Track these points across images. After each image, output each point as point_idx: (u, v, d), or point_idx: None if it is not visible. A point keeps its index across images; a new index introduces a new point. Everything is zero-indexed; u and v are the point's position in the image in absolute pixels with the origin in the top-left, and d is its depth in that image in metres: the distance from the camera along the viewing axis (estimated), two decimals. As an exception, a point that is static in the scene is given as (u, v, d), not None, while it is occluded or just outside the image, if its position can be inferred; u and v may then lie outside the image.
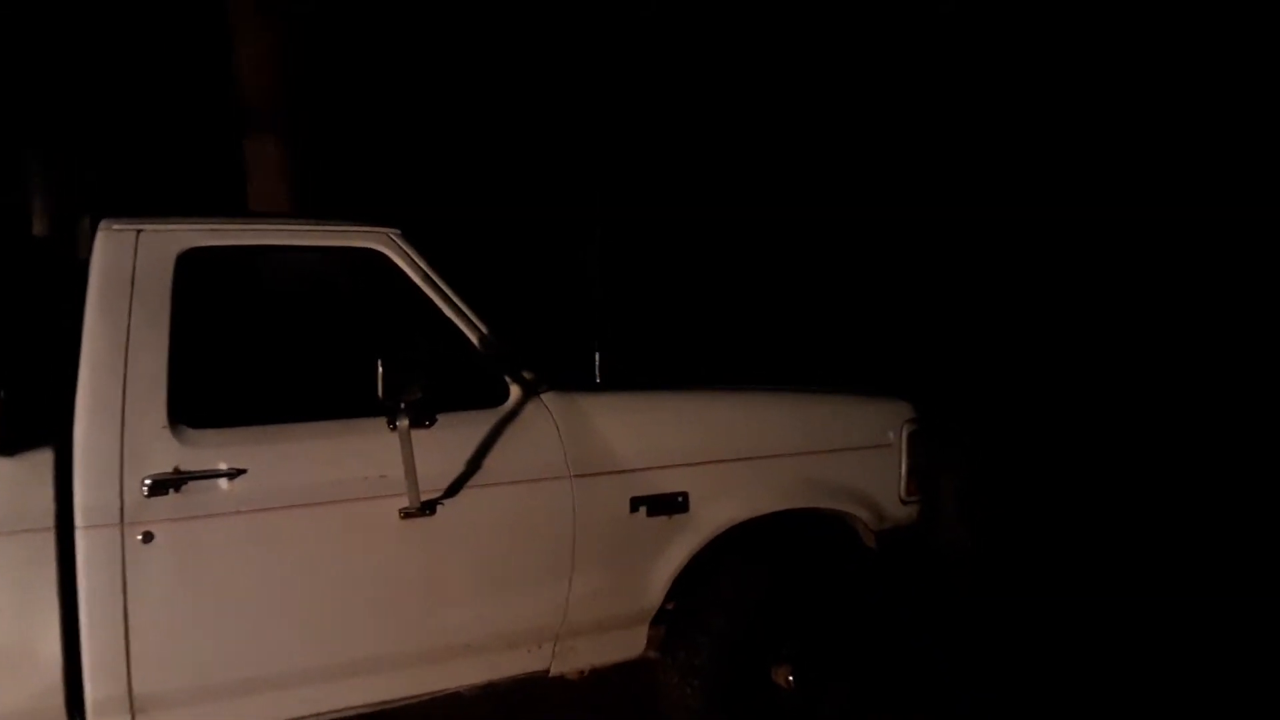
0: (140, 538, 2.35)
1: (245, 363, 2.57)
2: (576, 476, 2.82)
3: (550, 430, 2.81)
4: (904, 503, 3.38)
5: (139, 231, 2.51)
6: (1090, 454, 6.87)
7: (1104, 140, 9.39)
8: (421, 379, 2.42)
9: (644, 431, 2.99)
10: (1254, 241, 8.88)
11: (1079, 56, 9.28)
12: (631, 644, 3.03)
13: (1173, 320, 8.87)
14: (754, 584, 3.09)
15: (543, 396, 2.83)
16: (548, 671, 2.92)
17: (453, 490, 2.65)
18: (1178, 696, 3.75)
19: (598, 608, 2.91)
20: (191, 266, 2.53)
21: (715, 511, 3.03)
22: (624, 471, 2.90)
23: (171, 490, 2.38)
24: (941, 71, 9.25)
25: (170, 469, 2.38)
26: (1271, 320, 8.48)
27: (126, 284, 2.46)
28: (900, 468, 3.36)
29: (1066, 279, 9.25)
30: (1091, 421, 7.50)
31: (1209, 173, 9.12)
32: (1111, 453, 6.93)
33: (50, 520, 2.29)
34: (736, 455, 3.09)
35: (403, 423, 2.44)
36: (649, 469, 2.94)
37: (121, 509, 2.34)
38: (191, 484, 2.40)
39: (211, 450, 2.43)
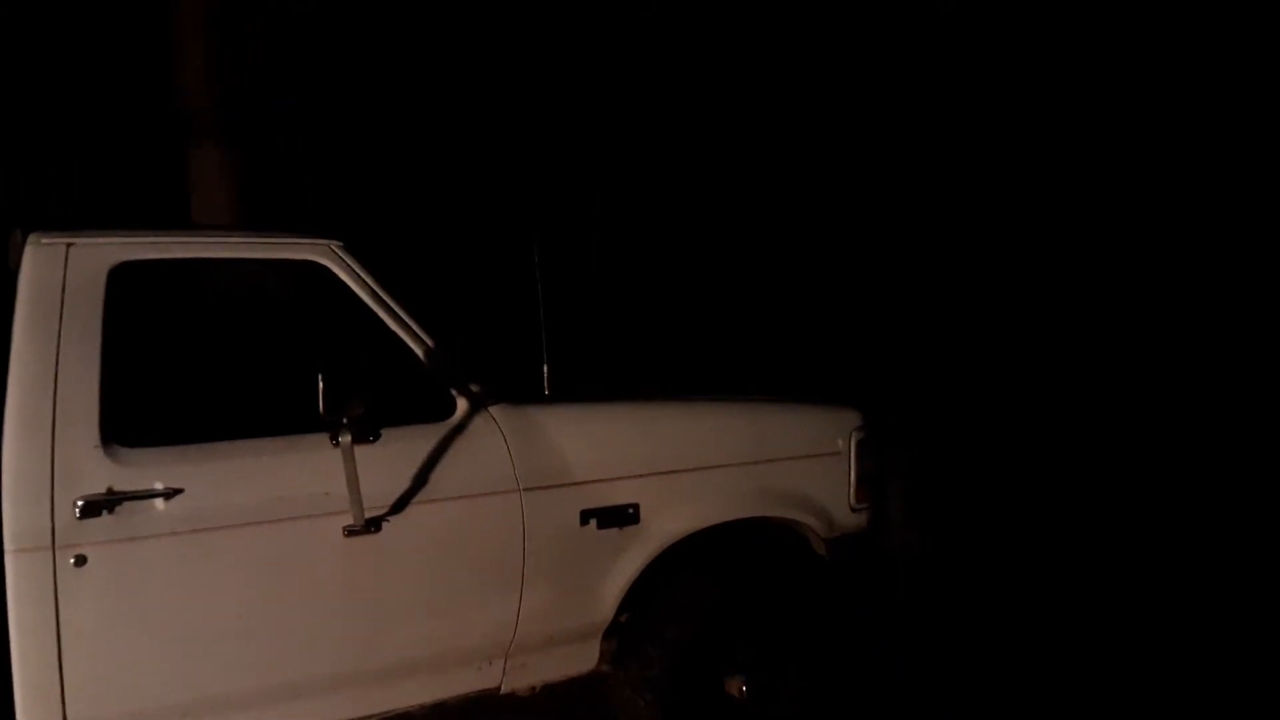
0: (73, 561, 2.28)
1: (182, 379, 2.50)
2: (525, 490, 2.80)
3: (498, 443, 2.78)
4: (854, 510, 3.41)
5: (69, 245, 2.43)
6: (1061, 461, 6.95)
7: (1102, 147, 9.49)
8: (365, 394, 2.38)
9: (594, 443, 2.97)
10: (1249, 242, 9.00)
11: (1080, 65, 9.38)
12: (584, 659, 3.01)
13: (1154, 330, 8.97)
14: (705, 595, 3.09)
15: (490, 409, 2.80)
16: (499, 689, 2.89)
17: (398, 506, 2.61)
18: (1135, 695, 3.81)
19: (549, 623, 2.88)
20: (125, 280, 2.45)
21: (666, 523, 3.02)
22: (574, 484, 2.88)
23: (105, 511, 2.31)
24: (935, 79, 9.31)
25: (103, 489, 2.31)
26: (1253, 333, 8.62)
27: (56, 299, 2.38)
28: (849, 475, 3.38)
29: (1047, 290, 9.33)
30: (1064, 428, 7.59)
31: (1208, 180, 9.24)
32: (1083, 459, 7.01)
33: (-23, 544, 2.21)
34: (687, 466, 3.08)
35: (345, 438, 2.39)
36: (599, 481, 2.92)
37: (53, 531, 2.26)
38: (126, 505, 2.33)
39: (147, 470, 2.37)
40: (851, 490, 3.38)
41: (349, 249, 2.71)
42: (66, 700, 2.29)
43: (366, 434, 2.50)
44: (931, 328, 8.84)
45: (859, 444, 3.39)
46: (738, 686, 3.11)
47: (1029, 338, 8.88)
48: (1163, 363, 8.53)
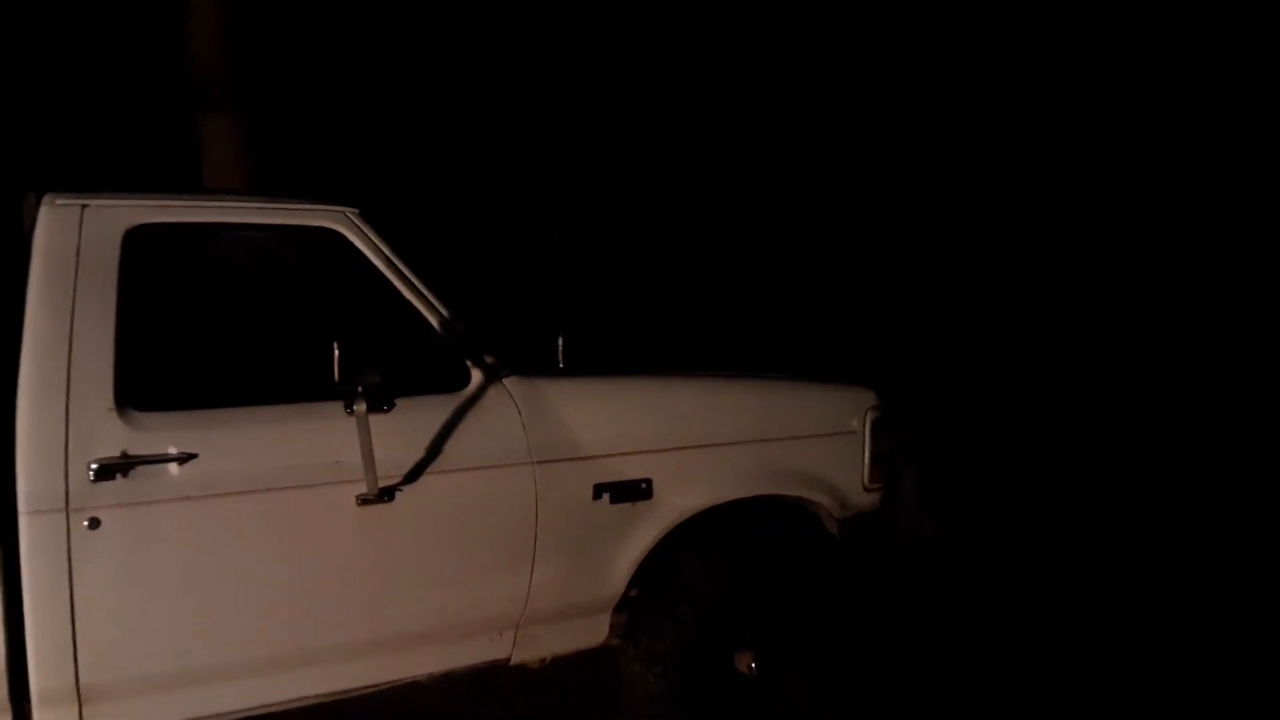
0: (86, 524, 2.28)
1: (196, 344, 2.49)
2: (539, 463, 2.78)
3: (512, 416, 2.77)
4: (867, 490, 3.39)
5: (84, 207, 2.42)
6: (1069, 447, 6.93)
7: (1103, 139, 9.43)
8: (379, 362, 2.36)
9: (608, 418, 2.95)
10: (1248, 242, 8.96)
11: (1079, 58, 9.31)
12: (593, 632, 3.01)
13: (1161, 316, 8.94)
14: (717, 571, 3.08)
15: (505, 381, 2.78)
16: (509, 660, 2.89)
17: (412, 476, 2.60)
18: (1139, 687, 3.80)
19: (559, 595, 2.87)
20: (139, 244, 2.44)
21: (679, 499, 3.00)
22: (587, 458, 2.87)
23: (119, 475, 2.30)
24: (933, 66, 9.24)
25: (117, 453, 2.31)
26: (1261, 319, 8.57)
27: (71, 261, 2.37)
28: (864, 455, 3.36)
29: (1056, 276, 9.29)
30: (1073, 415, 7.57)
31: (1208, 174, 9.18)
32: (1090, 447, 6.99)
33: (-8, 505, 2.21)
34: (700, 442, 3.06)
35: (360, 407, 2.38)
36: (612, 455, 2.91)
37: (66, 494, 2.26)
38: (140, 469, 2.32)
39: (161, 434, 2.36)
40: (865, 470, 3.36)
41: (365, 217, 2.69)
42: (79, 662, 2.29)
43: (381, 403, 2.49)
44: (945, 312, 8.80)
45: (874, 424, 3.37)
46: (747, 663, 3.11)
47: (1041, 323, 8.85)
48: (1174, 346, 8.48)
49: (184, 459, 2.37)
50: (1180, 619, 4.39)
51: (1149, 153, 9.24)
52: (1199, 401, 7.80)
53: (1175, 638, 4.20)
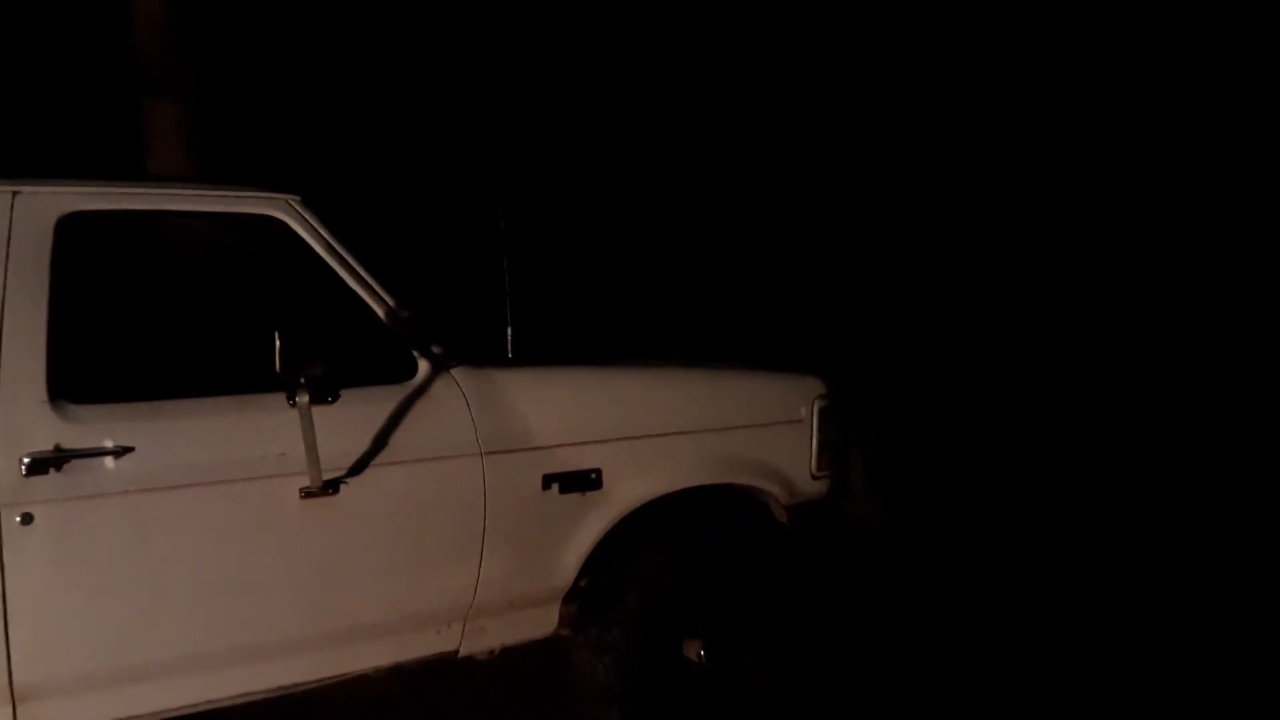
0: (19, 519, 2.22)
1: (133, 335, 2.44)
2: (487, 454, 2.77)
3: (460, 406, 2.75)
4: (815, 478, 3.42)
5: (15, 193, 2.35)
6: (1047, 442, 7.00)
7: (1102, 138, 9.52)
8: (323, 353, 2.33)
9: (557, 408, 2.94)
10: (1249, 242, 9.09)
11: (1079, 56, 9.39)
12: (543, 622, 3.00)
13: (1153, 314, 9.05)
14: (666, 560, 3.09)
15: (452, 371, 2.76)
16: (457, 652, 2.87)
17: (357, 468, 2.57)
18: (1093, 669, 3.89)
19: (509, 587, 2.86)
20: (74, 231, 2.38)
21: (629, 488, 3.01)
22: (536, 449, 2.86)
23: (52, 469, 2.25)
24: (933, 66, 9.27)
25: (50, 447, 2.25)
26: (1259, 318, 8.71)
27: (2, 249, 2.30)
28: (811, 443, 3.39)
29: (1047, 272, 9.37)
30: (1056, 410, 7.64)
31: (1207, 173, 9.30)
32: (1071, 442, 7.06)
33: (-81, 501, 2.15)
34: (650, 431, 3.07)
35: (303, 398, 2.35)
36: (562, 446, 2.90)
37: None
38: (74, 463, 2.27)
39: (96, 427, 2.30)
40: (813, 458, 3.39)
41: (307, 204, 2.65)
42: (11, 660, 2.24)
43: (325, 394, 2.44)
44: (935, 308, 8.85)
45: (821, 412, 3.40)
46: (696, 650, 3.13)
47: (1032, 319, 8.93)
48: (1167, 342, 8.59)
49: (120, 452, 2.31)
50: (1139, 610, 4.49)
51: (1149, 152, 9.36)
52: (1191, 397, 7.91)
53: (1128, 628, 4.29)
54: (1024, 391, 7.79)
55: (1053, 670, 3.85)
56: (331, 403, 2.48)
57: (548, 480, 2.87)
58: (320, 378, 2.36)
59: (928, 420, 6.61)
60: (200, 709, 2.52)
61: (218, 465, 2.42)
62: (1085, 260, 9.18)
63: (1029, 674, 3.82)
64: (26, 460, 2.23)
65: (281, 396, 2.38)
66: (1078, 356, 8.46)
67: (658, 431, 3.07)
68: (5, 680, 2.24)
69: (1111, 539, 5.47)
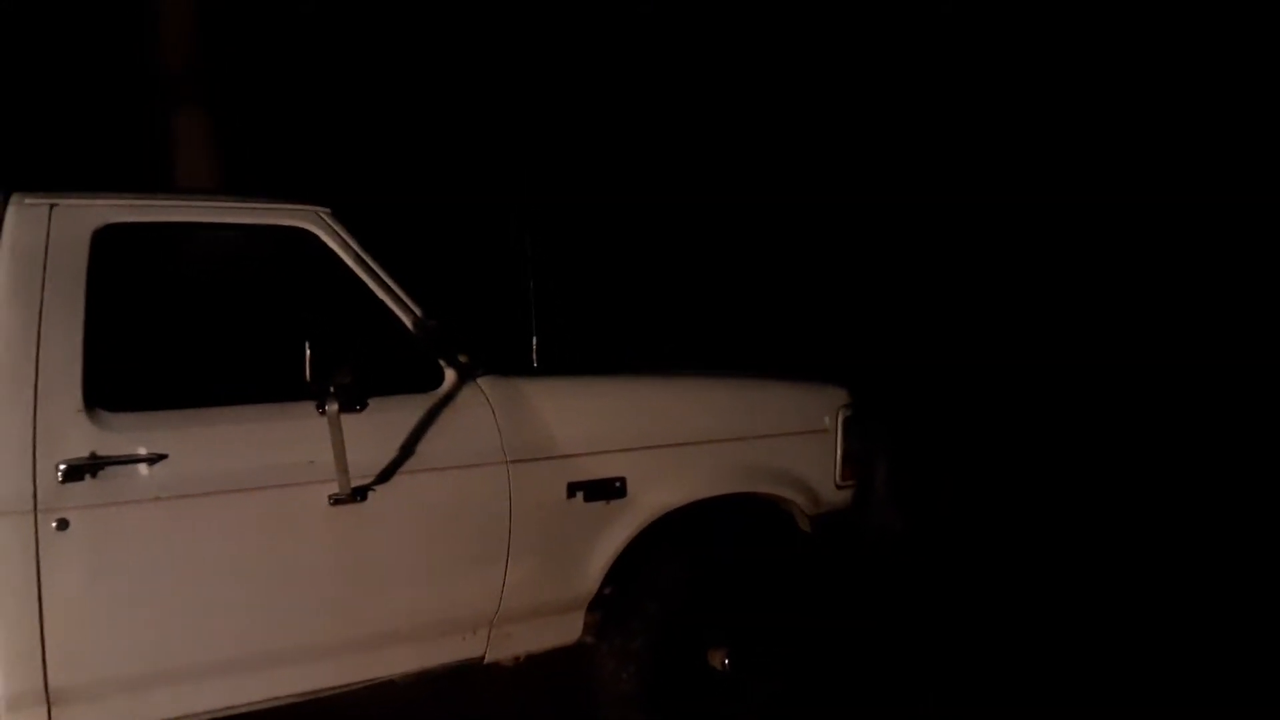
0: (55, 525, 2.26)
1: (166, 344, 2.48)
2: (512, 462, 2.79)
3: (486, 415, 2.77)
4: (839, 488, 3.42)
5: (53, 206, 2.40)
6: (1056, 447, 6.97)
7: (1100, 133, 9.48)
8: (351, 362, 2.36)
9: (581, 416, 2.96)
10: (1245, 233, 9.02)
11: (1077, 51, 9.36)
12: (567, 630, 3.01)
13: (1155, 311, 9.00)
14: (690, 569, 3.10)
15: (478, 381, 2.79)
16: (482, 658, 2.89)
17: (384, 476, 2.60)
18: (1115, 679, 3.86)
19: (533, 594, 2.88)
20: (109, 243, 2.42)
21: (653, 497, 3.02)
22: (561, 457, 2.88)
23: (88, 476, 2.29)
24: (922, 61, 9.27)
25: (86, 454, 2.29)
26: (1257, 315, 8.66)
27: (39, 261, 2.35)
28: (836, 453, 3.39)
29: (1062, 268, 9.32)
30: (1062, 414, 7.61)
31: (1205, 166, 9.25)
32: (1079, 446, 7.03)
33: (-42, 507, 2.19)
34: (675, 440, 3.08)
35: (332, 407, 2.37)
36: (586, 454, 2.92)
37: (35, 495, 2.24)
38: (109, 469, 2.31)
39: (130, 434, 2.34)
40: (837, 468, 3.39)
41: (337, 216, 2.68)
42: (48, 664, 2.27)
43: (353, 403, 2.47)
44: (937, 312, 8.83)
45: (846, 422, 3.40)
46: (720, 659, 3.13)
47: (1036, 324, 8.89)
48: (1169, 346, 8.53)
49: (154, 459, 2.35)
50: (1147, 615, 4.46)
51: (1149, 152, 9.31)
52: (1193, 401, 7.86)
53: (1137, 634, 4.27)
54: (1035, 398, 7.76)
55: (1066, 677, 3.84)
56: (360, 411, 2.51)
57: (572, 488, 2.89)
58: (349, 386, 2.39)
59: (944, 428, 6.59)
60: (229, 713, 2.55)
61: (248, 472, 2.46)
62: (1099, 266, 9.13)
63: (1043, 679, 3.82)
64: (63, 467, 2.27)
65: (310, 405, 2.41)
66: (1089, 361, 8.42)
67: (681, 440, 3.08)
68: (41, 684, 2.28)
69: (1125, 543, 5.44)
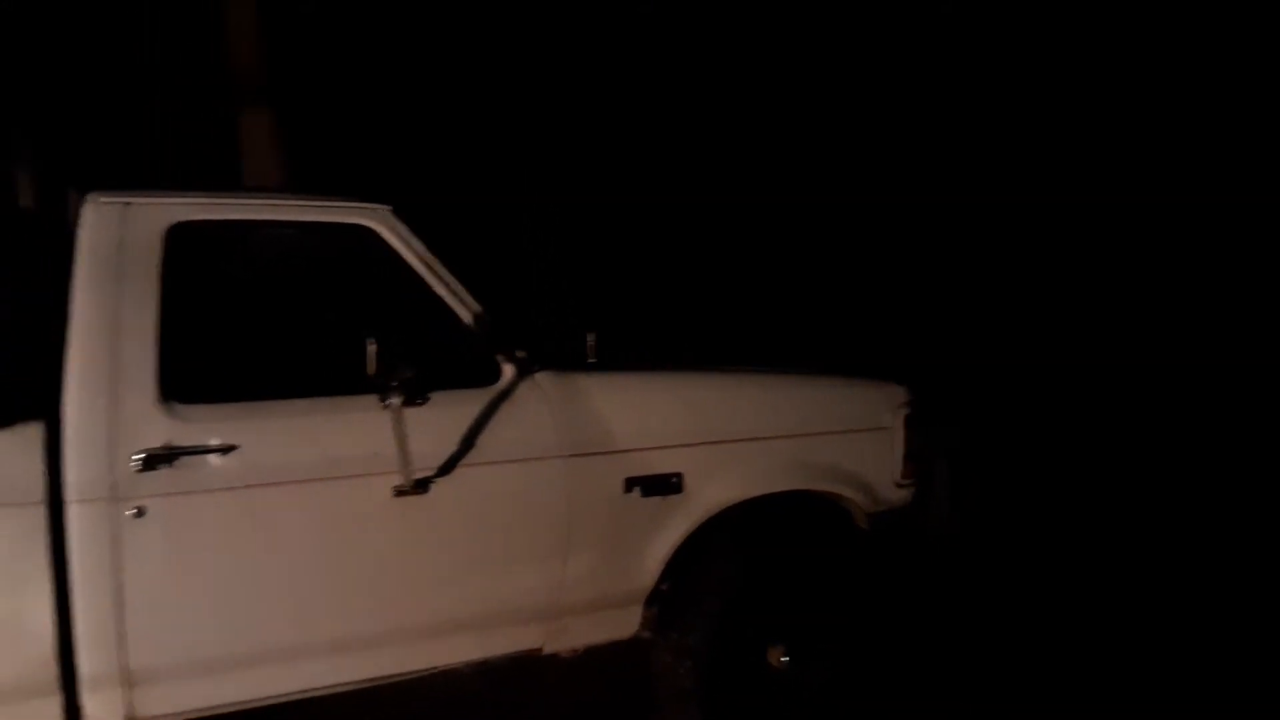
0: (132, 512, 2.34)
1: (236, 338, 2.55)
2: (570, 456, 2.81)
3: (543, 410, 2.80)
4: (899, 486, 3.38)
5: (127, 204, 2.48)
6: (1087, 444, 6.86)
7: (1104, 132, 9.33)
8: (413, 357, 2.40)
9: (638, 412, 2.97)
10: (1253, 231, 8.85)
11: (1077, 50, 9.21)
12: (625, 624, 3.03)
13: (1176, 310, 8.84)
14: (748, 565, 3.09)
15: (536, 376, 2.81)
16: (541, 649, 2.92)
17: (445, 469, 2.64)
18: (1161, 684, 3.77)
19: (591, 587, 2.90)
20: (181, 241, 2.50)
21: (710, 492, 3.02)
22: (618, 452, 2.89)
23: (163, 465, 2.37)
24: (932, 61, 9.19)
25: (161, 444, 2.37)
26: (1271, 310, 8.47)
27: (114, 257, 2.43)
28: (896, 451, 3.35)
29: (1070, 269, 9.20)
30: (1090, 411, 7.49)
31: (1207, 165, 9.08)
32: (1109, 444, 6.92)
33: (41, 494, 2.28)
34: (732, 436, 3.07)
35: (395, 401, 2.43)
36: (643, 449, 2.93)
37: (113, 484, 2.33)
38: (183, 459, 2.39)
39: (203, 426, 2.42)
40: (898, 466, 3.35)
41: (399, 214, 2.73)
42: (126, 646, 2.36)
43: (415, 397, 2.53)
44: (958, 312, 8.74)
45: (906, 420, 3.36)
46: (778, 656, 3.12)
47: (1059, 325, 8.76)
48: (1188, 346, 8.36)
49: (226, 450, 2.43)
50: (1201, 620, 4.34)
51: (1149, 152, 9.12)
52: (1197, 402, 7.69)
53: (1194, 638, 4.15)
54: (1046, 398, 7.64)
55: (1090, 675, 3.77)
56: (421, 405, 2.56)
57: (629, 483, 2.90)
58: (410, 381, 2.43)
59: (1006, 428, 6.50)
60: (297, 698, 2.62)
61: (315, 463, 2.52)
62: (1099, 266, 8.95)
63: (1071, 678, 3.77)
64: (140, 457, 2.35)
65: (374, 398, 2.47)
66: (1096, 360, 8.25)
67: (739, 436, 3.08)
68: (119, 665, 2.37)
69: (1140, 543, 5.32)
